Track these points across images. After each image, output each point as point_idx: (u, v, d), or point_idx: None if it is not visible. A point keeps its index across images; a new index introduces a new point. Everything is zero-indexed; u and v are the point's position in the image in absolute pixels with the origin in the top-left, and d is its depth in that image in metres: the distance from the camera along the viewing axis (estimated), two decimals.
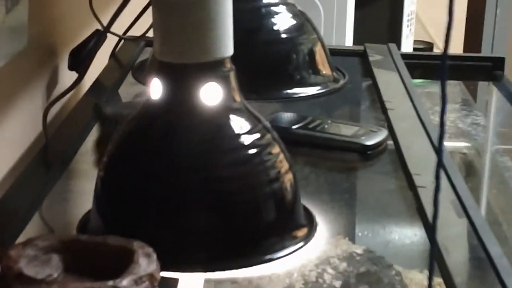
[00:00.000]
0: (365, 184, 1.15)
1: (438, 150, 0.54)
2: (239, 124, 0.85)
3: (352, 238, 1.46)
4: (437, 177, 0.52)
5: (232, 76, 0.86)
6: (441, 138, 0.53)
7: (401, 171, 1.05)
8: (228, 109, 0.85)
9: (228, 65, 0.85)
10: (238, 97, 0.87)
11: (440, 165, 0.54)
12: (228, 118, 0.85)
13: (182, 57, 0.83)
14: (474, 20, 3.59)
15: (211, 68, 0.83)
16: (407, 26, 2.76)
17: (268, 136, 0.87)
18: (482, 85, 3.18)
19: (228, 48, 0.84)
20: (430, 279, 0.56)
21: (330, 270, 1.52)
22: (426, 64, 1.57)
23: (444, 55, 0.52)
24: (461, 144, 1.67)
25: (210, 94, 0.83)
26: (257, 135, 0.85)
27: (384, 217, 1.27)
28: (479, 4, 3.59)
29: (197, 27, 0.82)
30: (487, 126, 1.72)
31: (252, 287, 1.52)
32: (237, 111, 0.86)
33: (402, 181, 1.03)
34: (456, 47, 3.56)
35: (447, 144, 1.43)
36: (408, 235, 1.46)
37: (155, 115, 0.86)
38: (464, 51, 3.54)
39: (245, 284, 1.50)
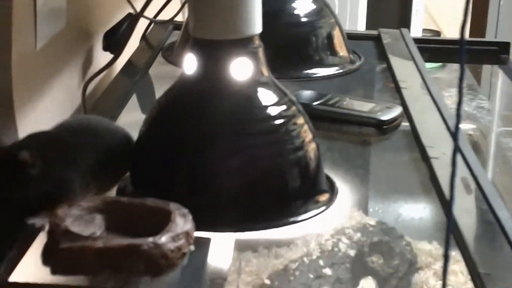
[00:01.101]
0: (380, 156, 1.16)
1: (455, 129, 0.56)
2: (267, 96, 0.87)
3: (365, 210, 1.48)
4: (454, 155, 0.53)
5: (261, 52, 0.87)
6: (458, 114, 0.55)
7: (414, 144, 1.06)
8: (256, 82, 0.87)
9: (257, 42, 0.87)
10: (266, 72, 0.88)
11: (456, 147, 0.55)
12: (257, 91, 0.87)
13: (215, 34, 0.85)
14: (480, 7, 3.59)
15: (242, 44, 0.85)
16: (416, 15, 2.76)
17: (293, 108, 0.88)
18: (486, 70, 3.20)
19: (257, 26, 0.86)
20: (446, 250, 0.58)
21: (345, 240, 1.55)
22: (436, 49, 1.58)
23: (461, 40, 0.53)
24: (467, 126, 1.68)
25: (240, 68, 0.85)
26: (284, 107, 0.87)
27: (397, 189, 1.29)
28: None
29: (229, 6, 0.83)
30: (492, 108, 1.73)
31: (271, 255, 1.54)
32: (265, 85, 0.88)
33: (415, 153, 1.04)
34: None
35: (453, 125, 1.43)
36: (419, 207, 1.47)
37: (190, 88, 0.88)
38: (470, 36, 3.54)
39: (264, 252, 1.52)
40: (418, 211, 1.51)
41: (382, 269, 1.47)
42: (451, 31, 3.42)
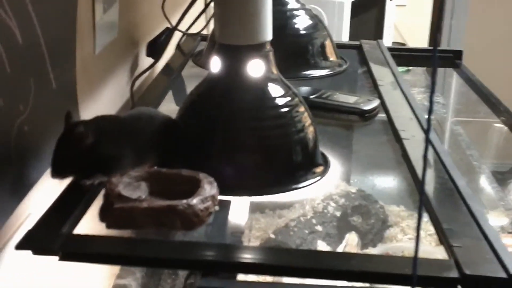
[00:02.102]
0: (362, 138, 1.16)
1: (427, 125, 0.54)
2: (275, 89, 0.86)
3: (348, 181, 1.47)
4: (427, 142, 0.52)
5: (271, 55, 0.86)
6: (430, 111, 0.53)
7: (389, 128, 1.04)
8: (268, 78, 0.86)
9: (268, 46, 0.86)
10: (275, 70, 0.87)
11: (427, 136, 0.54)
12: (268, 85, 0.86)
13: (235, 40, 0.84)
14: (436, 22, 3.57)
15: (256, 49, 0.84)
16: (387, 30, 2.75)
17: (296, 99, 0.87)
18: (440, 72, 3.19)
19: (268, 34, 0.85)
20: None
21: (332, 204, 1.54)
22: (403, 56, 1.57)
23: (434, 49, 0.52)
24: (426, 117, 1.67)
25: (255, 67, 0.85)
26: (289, 98, 0.86)
27: (374, 164, 1.28)
28: (439, 11, 3.58)
29: (247, 18, 0.83)
30: (447, 102, 1.72)
31: (275, 215, 1.53)
32: (274, 81, 0.87)
33: (390, 136, 1.03)
34: (423, 42, 3.56)
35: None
36: (391, 178, 1.46)
37: (216, 83, 0.88)
38: (429, 45, 3.53)
39: (270, 213, 1.52)
40: (390, 182, 1.50)
41: (361, 226, 1.47)
42: (413, 43, 3.41)
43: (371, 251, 1.38)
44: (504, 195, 1.67)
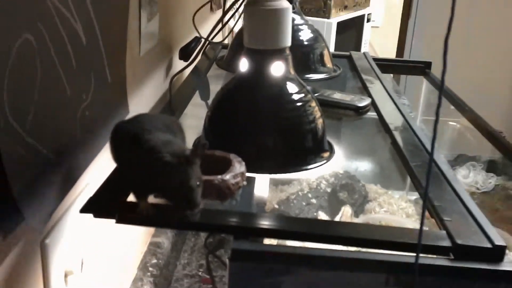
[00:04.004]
0: (357, 130, 1.12)
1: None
2: (293, 87, 0.82)
3: (337, 164, 1.43)
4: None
5: (290, 58, 0.82)
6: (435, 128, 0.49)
7: (379, 121, 1.01)
8: (287, 78, 0.81)
9: (287, 51, 0.81)
10: (292, 71, 0.83)
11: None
12: (287, 83, 0.82)
13: (261, 45, 0.80)
14: (402, 36, 3.56)
15: (278, 53, 0.80)
16: (364, 46, 2.72)
17: (309, 95, 0.83)
18: (410, 80, 3.18)
19: (288, 41, 0.80)
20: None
21: (324, 182, 1.50)
22: (382, 64, 1.52)
23: (443, 75, 0.48)
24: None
25: (277, 68, 0.80)
26: (303, 94, 0.82)
27: (363, 150, 1.24)
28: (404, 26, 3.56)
29: (271, 27, 0.78)
30: (417, 104, 1.68)
31: (278, 190, 1.50)
32: (292, 80, 0.82)
33: (380, 127, 0.99)
34: (391, 53, 3.53)
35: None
36: (372, 162, 1.43)
37: (244, 80, 0.83)
38: (396, 55, 3.52)
39: (273, 188, 1.48)
40: (371, 165, 1.47)
41: (347, 200, 1.43)
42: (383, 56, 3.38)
43: (354, 220, 1.34)
44: None
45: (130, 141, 0.64)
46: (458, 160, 2.02)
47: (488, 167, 1.82)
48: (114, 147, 0.68)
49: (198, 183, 0.61)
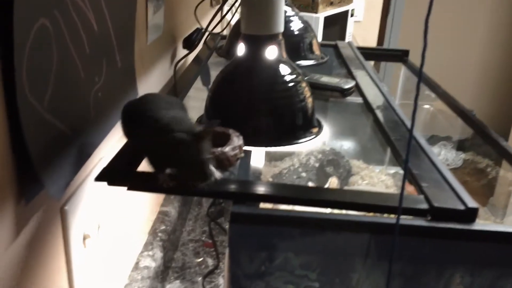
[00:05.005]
0: (343, 109, 1.10)
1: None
2: (285, 69, 0.80)
3: (324, 141, 1.42)
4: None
5: (282, 43, 0.80)
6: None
7: (363, 102, 0.99)
8: (280, 61, 0.79)
9: (280, 36, 0.79)
10: (285, 55, 0.81)
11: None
12: (280, 66, 0.80)
13: (256, 31, 0.78)
14: (382, 25, 3.53)
15: (272, 38, 0.78)
16: (347, 38, 2.70)
17: (300, 77, 0.81)
18: (389, 67, 3.16)
19: (281, 27, 0.78)
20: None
21: (312, 158, 1.49)
22: (365, 53, 1.50)
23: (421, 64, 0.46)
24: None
25: (271, 52, 0.78)
26: (294, 76, 0.80)
27: (348, 129, 1.23)
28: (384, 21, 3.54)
29: (266, 14, 0.76)
30: (395, 89, 1.66)
31: (271, 165, 1.48)
32: (285, 63, 0.80)
33: (363, 107, 0.98)
34: (371, 45, 3.50)
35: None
36: (358, 140, 1.42)
37: (241, 64, 0.81)
38: (378, 41, 3.50)
39: (267, 163, 1.47)
40: (354, 142, 1.46)
41: (333, 173, 1.42)
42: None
43: None
44: None
45: (143, 120, 0.62)
46: (431, 141, 2.02)
47: (458, 146, 1.82)
48: (127, 125, 0.65)
49: (209, 156, 0.59)
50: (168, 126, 0.59)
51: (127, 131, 0.66)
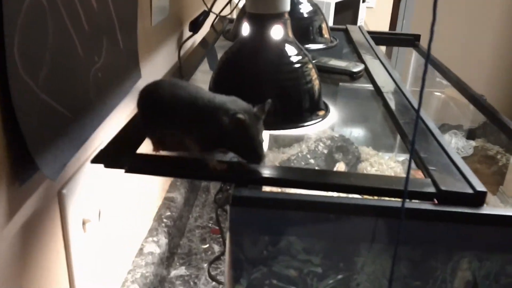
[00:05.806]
0: (352, 92, 1.07)
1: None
2: (291, 49, 0.77)
3: (333, 127, 1.39)
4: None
5: (289, 22, 0.77)
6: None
7: (372, 86, 0.97)
8: (285, 41, 0.77)
9: (287, 15, 0.76)
10: (291, 35, 0.78)
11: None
12: (285, 46, 0.77)
13: (261, 9, 0.75)
14: (395, 11, 3.48)
15: (277, 17, 0.75)
16: (360, 22, 2.66)
17: (306, 58, 0.78)
18: (401, 51, 3.12)
19: (287, 5, 0.75)
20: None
21: (321, 144, 1.46)
22: (375, 37, 1.47)
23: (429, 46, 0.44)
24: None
25: (276, 32, 0.76)
26: (300, 57, 0.77)
27: (358, 113, 1.20)
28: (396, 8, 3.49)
29: None
30: (406, 74, 1.63)
31: (280, 152, 1.46)
32: (291, 43, 0.78)
33: (373, 91, 0.95)
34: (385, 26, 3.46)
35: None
36: (368, 126, 1.39)
37: (246, 44, 0.78)
38: (390, 28, 3.45)
39: (276, 149, 1.44)
40: (364, 129, 1.43)
41: (342, 160, 1.39)
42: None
43: None
44: None
45: (191, 100, 0.58)
46: (441, 129, 2.00)
47: (469, 135, 1.80)
48: (161, 107, 0.60)
49: (263, 137, 0.58)
50: (225, 105, 0.56)
51: (152, 118, 0.61)
